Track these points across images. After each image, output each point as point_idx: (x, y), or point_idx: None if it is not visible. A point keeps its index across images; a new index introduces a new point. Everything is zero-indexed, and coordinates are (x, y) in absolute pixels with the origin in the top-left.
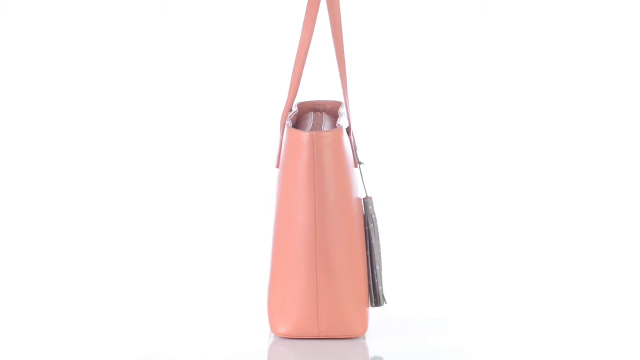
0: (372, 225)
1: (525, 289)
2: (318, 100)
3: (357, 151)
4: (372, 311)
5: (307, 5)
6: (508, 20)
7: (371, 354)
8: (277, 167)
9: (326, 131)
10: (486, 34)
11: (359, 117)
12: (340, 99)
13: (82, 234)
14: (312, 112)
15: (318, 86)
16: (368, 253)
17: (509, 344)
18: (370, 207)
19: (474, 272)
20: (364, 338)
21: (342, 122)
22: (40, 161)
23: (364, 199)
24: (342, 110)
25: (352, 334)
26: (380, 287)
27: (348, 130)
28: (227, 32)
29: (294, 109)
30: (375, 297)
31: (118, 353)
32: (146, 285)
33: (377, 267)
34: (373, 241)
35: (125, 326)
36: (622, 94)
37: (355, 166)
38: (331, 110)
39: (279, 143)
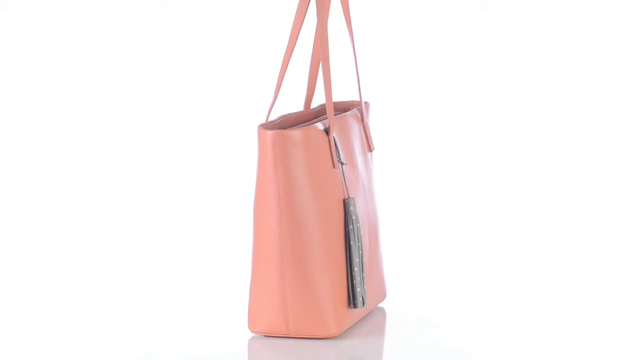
0: (351, 226)
1: (524, 289)
2: (351, 101)
3: (340, 151)
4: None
5: (298, 5)
6: (507, 20)
7: (346, 354)
8: None
9: (292, 130)
10: (485, 34)
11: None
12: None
13: (67, 234)
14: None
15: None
16: (347, 254)
17: (507, 344)
18: (350, 209)
19: (471, 272)
20: (347, 338)
21: (320, 123)
22: (39, 160)
23: (344, 200)
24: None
25: (324, 334)
26: (359, 289)
27: (328, 131)
28: (226, 32)
29: (316, 107)
30: (354, 299)
31: (111, 353)
32: (136, 284)
33: (356, 269)
34: (352, 242)
35: (114, 326)
36: (622, 94)
37: (334, 167)
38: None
39: None
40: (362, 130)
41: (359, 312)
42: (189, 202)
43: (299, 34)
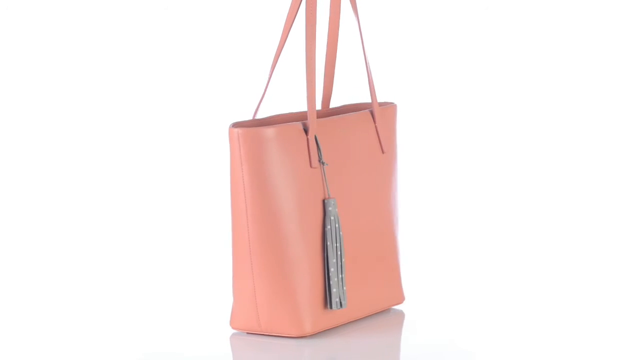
0: (329, 227)
1: (527, 290)
2: (365, 103)
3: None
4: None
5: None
6: (509, 22)
7: (323, 353)
8: None
9: (259, 128)
10: (487, 36)
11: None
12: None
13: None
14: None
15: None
16: (325, 255)
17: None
18: (329, 209)
19: (473, 272)
20: (330, 338)
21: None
22: (38, 160)
23: (323, 200)
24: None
25: (294, 333)
26: (335, 290)
27: (307, 130)
28: (228, 33)
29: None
30: (330, 300)
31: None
32: (125, 284)
33: (332, 270)
34: (328, 243)
35: (106, 326)
36: (623, 94)
37: (312, 166)
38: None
39: None
40: (375, 132)
41: (348, 313)
42: (182, 201)
43: (289, 31)
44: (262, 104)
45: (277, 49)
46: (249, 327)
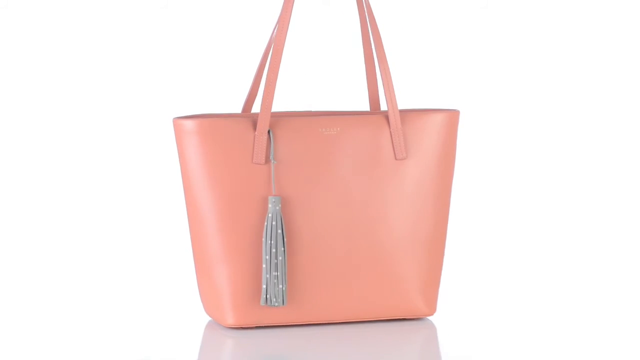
0: (265, 224)
1: (523, 291)
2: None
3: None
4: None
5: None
6: (508, 20)
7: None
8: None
9: (188, 120)
10: (486, 35)
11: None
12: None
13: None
14: None
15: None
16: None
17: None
18: (269, 206)
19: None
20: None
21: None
22: (38, 161)
23: (269, 197)
24: None
25: (222, 323)
26: (264, 287)
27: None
28: (227, 33)
29: None
30: (261, 296)
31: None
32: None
33: (264, 266)
34: (263, 239)
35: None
36: (623, 94)
37: (252, 161)
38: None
39: None
40: (389, 136)
41: (310, 315)
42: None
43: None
44: (255, 100)
45: (265, 49)
46: (206, 311)
